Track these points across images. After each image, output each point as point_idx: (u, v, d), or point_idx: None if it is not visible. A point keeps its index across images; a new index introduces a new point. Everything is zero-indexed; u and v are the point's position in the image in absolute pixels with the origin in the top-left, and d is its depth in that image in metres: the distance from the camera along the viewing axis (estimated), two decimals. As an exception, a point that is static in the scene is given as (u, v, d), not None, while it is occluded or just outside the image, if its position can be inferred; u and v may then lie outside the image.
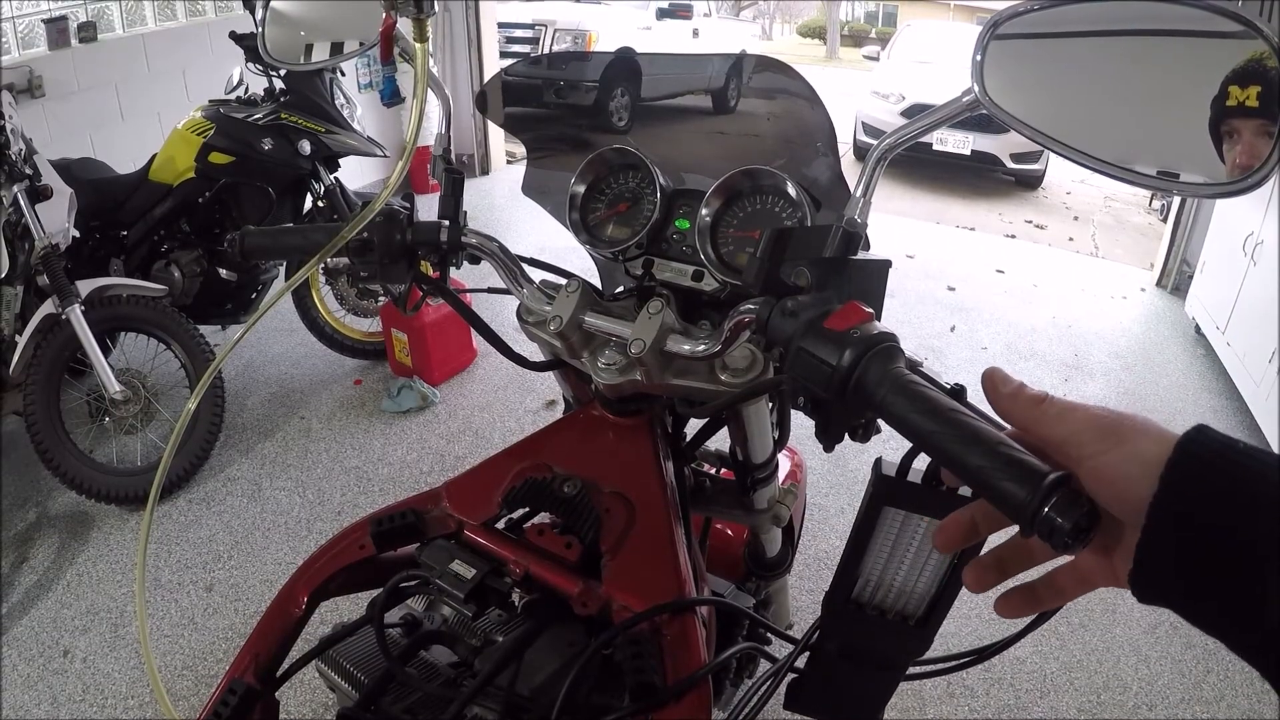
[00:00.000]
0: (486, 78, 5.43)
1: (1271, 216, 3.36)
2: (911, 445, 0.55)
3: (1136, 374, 3.87)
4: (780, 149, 0.95)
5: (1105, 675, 2.24)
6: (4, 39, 3.56)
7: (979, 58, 0.65)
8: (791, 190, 0.87)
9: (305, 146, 3.06)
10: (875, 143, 0.71)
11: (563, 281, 0.89)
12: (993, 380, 0.52)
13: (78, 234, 2.82)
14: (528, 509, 0.89)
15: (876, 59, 9.43)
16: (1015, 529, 0.54)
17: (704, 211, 0.90)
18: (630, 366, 0.84)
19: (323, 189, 3.18)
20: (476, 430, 3.20)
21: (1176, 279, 4.76)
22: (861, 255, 0.69)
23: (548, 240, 3.72)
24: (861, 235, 0.70)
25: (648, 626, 0.77)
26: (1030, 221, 6.67)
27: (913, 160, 7.41)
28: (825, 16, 25.04)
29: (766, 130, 0.98)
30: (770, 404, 1.02)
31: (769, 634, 1.17)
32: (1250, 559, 0.41)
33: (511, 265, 0.96)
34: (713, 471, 1.20)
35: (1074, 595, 0.54)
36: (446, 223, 0.95)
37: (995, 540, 0.56)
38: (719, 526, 1.47)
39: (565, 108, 1.16)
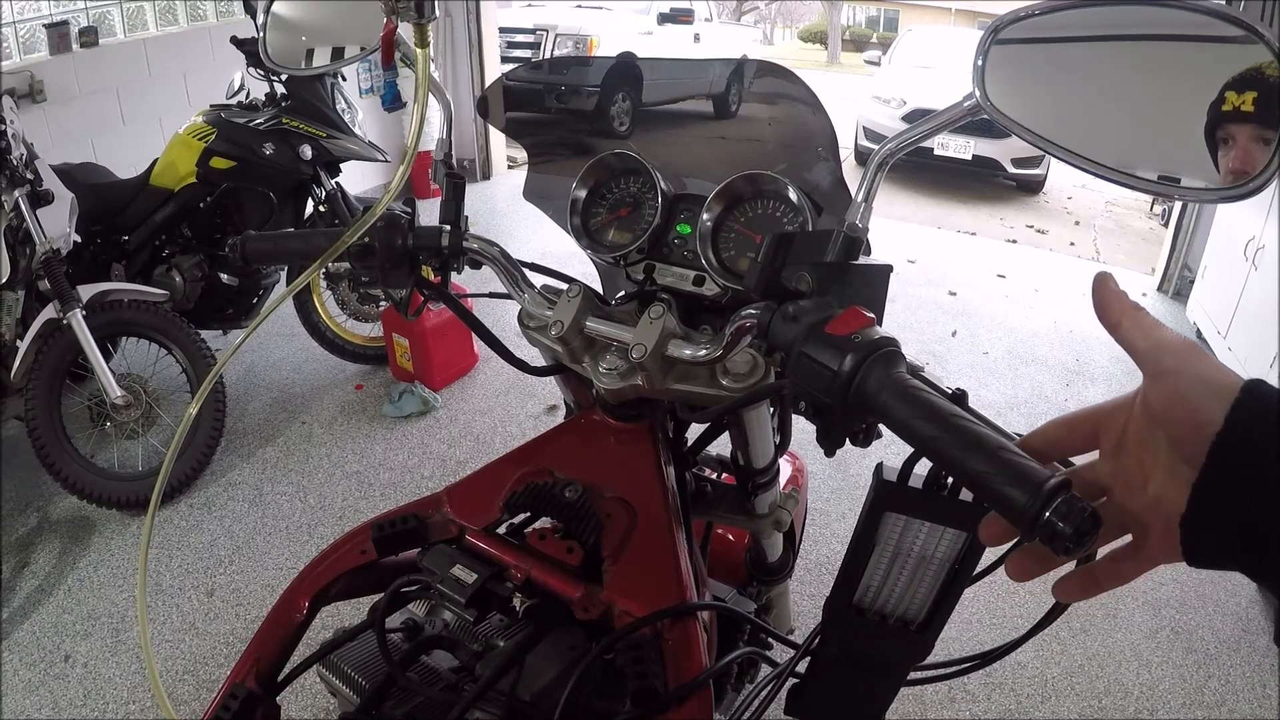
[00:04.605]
0: (488, 83, 5.45)
1: (1272, 221, 3.37)
2: (913, 450, 0.55)
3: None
4: (781, 154, 0.95)
5: (1106, 680, 2.24)
6: (5, 44, 3.56)
7: (980, 62, 0.65)
8: (793, 195, 0.87)
9: (306, 151, 3.06)
10: (876, 148, 0.71)
11: (564, 286, 0.89)
12: (1105, 281, 0.54)
13: (79, 239, 2.82)
14: (529, 514, 0.89)
15: (878, 64, 9.45)
16: None
17: (705, 216, 0.90)
18: (631, 371, 0.84)
19: (324, 194, 3.18)
20: (477, 435, 3.20)
21: (1178, 283, 4.76)
22: (863, 260, 0.69)
23: (549, 245, 3.72)
24: (863, 240, 0.70)
25: (649, 631, 0.76)
26: (1031, 226, 6.67)
27: (914, 165, 7.41)
28: (826, 21, 25.09)
29: (768, 135, 0.98)
30: (771, 409, 1.02)
31: (770, 639, 1.17)
32: None
33: (512, 270, 0.96)
34: (714, 476, 1.20)
35: (1133, 576, 0.53)
36: (448, 228, 0.95)
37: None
38: (720, 531, 1.47)
39: (566, 113, 1.16)
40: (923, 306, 4.50)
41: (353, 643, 0.87)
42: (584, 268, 1.03)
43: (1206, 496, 0.45)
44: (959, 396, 0.55)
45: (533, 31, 7.71)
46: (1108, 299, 0.53)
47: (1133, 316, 0.52)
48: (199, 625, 2.31)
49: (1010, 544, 0.55)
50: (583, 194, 0.99)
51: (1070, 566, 0.54)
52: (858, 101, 8.45)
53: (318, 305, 3.41)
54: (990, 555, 0.62)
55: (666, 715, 0.72)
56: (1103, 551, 0.53)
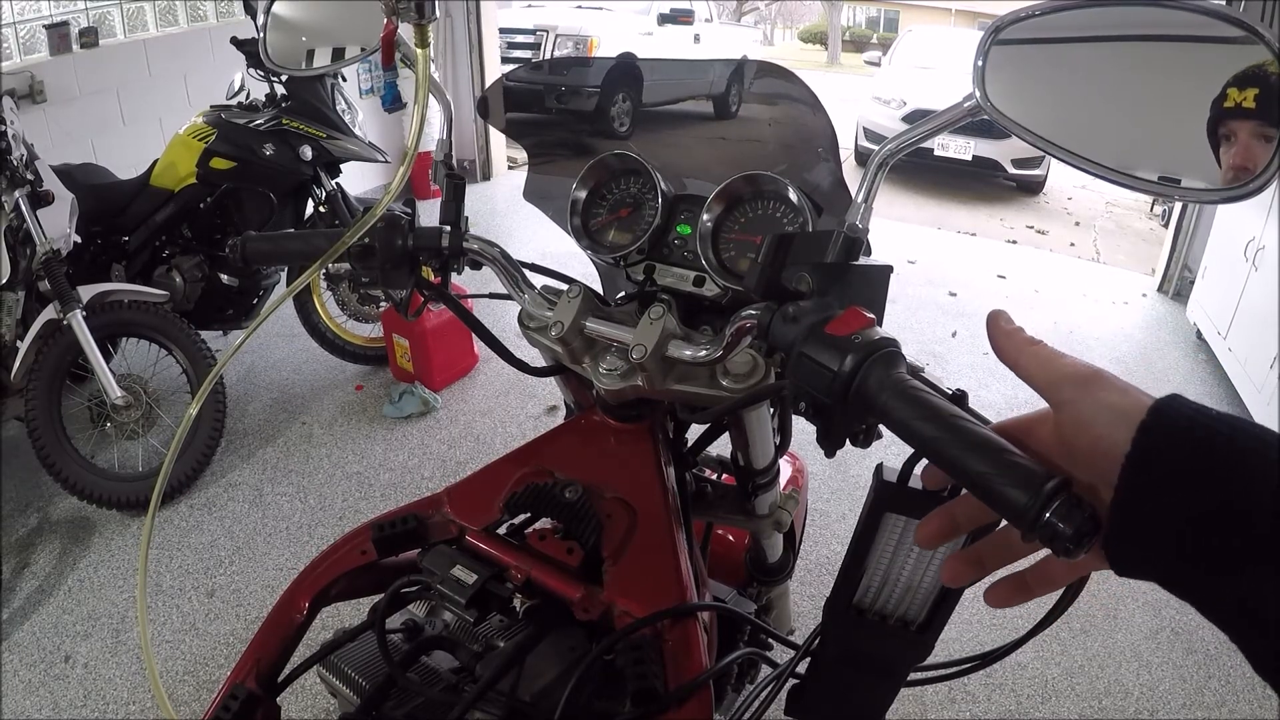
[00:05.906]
0: (488, 83, 5.45)
1: (1272, 222, 3.36)
2: (913, 451, 0.55)
3: (1138, 379, 3.76)
4: (782, 154, 0.95)
5: (1107, 681, 2.24)
6: (5, 44, 3.57)
7: (980, 63, 0.65)
8: (793, 196, 0.87)
9: (307, 152, 3.06)
10: (876, 148, 0.71)
11: (564, 287, 0.89)
12: (996, 319, 0.55)
13: (79, 239, 2.82)
14: (529, 514, 0.89)
15: (878, 64, 9.46)
16: (996, 525, 0.55)
17: (705, 217, 0.90)
18: (632, 372, 0.84)
19: (324, 194, 3.19)
20: (478, 436, 3.20)
21: (1178, 284, 4.76)
22: (863, 260, 0.69)
23: (549, 245, 3.72)
24: (863, 240, 0.70)
25: (649, 632, 0.76)
26: (1032, 227, 6.67)
27: (914, 166, 7.41)
28: (827, 22, 25.10)
29: (768, 136, 0.98)
30: (772, 409, 1.02)
31: (770, 639, 1.17)
32: (1225, 519, 0.41)
33: (513, 270, 0.96)
34: (714, 477, 1.20)
35: (1064, 581, 0.55)
36: (448, 228, 0.95)
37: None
38: (720, 532, 1.47)
39: (567, 113, 1.16)
40: (923, 307, 4.50)
41: (353, 643, 0.87)
42: (584, 268, 1.03)
43: (1123, 520, 0.45)
44: (959, 397, 0.55)
45: (533, 32, 7.71)
46: (1001, 337, 0.54)
47: (1029, 352, 0.52)
48: (199, 626, 2.31)
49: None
50: (583, 195, 0.99)
51: (1003, 573, 0.55)
52: (858, 102, 8.45)
53: (318, 306, 3.41)
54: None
55: (666, 716, 0.72)
56: (1036, 557, 0.53)
